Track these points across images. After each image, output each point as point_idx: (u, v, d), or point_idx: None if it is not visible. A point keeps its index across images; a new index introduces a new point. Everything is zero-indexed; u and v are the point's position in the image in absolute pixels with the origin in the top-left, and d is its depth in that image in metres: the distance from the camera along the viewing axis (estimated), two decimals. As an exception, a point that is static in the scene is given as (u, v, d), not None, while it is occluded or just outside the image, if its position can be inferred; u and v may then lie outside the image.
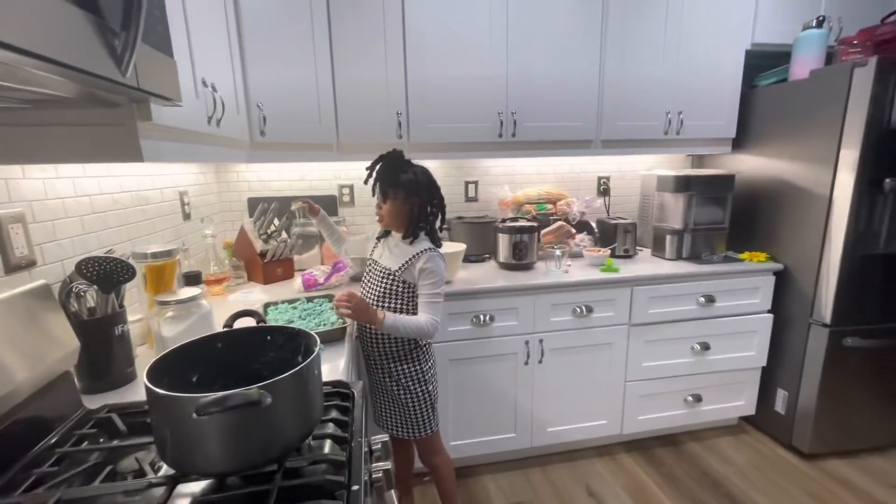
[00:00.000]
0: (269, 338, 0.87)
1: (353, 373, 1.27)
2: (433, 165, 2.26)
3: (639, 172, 2.45)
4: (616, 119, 2.05)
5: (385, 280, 1.33)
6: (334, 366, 1.10)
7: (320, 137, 1.81)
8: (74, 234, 1.08)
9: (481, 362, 1.84)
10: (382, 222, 1.36)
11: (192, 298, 1.14)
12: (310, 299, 1.49)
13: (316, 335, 0.81)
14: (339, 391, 0.92)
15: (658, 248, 2.18)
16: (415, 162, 1.34)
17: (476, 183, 2.35)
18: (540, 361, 1.87)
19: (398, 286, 1.32)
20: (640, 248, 2.31)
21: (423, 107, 1.90)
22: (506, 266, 2.01)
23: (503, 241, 1.99)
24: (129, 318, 1.21)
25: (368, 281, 1.38)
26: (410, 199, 1.29)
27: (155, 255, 1.19)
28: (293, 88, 1.67)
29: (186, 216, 1.71)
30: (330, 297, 1.51)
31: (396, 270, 1.31)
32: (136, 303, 1.26)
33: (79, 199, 1.10)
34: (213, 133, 1.18)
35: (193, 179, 1.81)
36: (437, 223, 1.39)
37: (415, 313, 1.34)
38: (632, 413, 2.03)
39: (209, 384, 0.82)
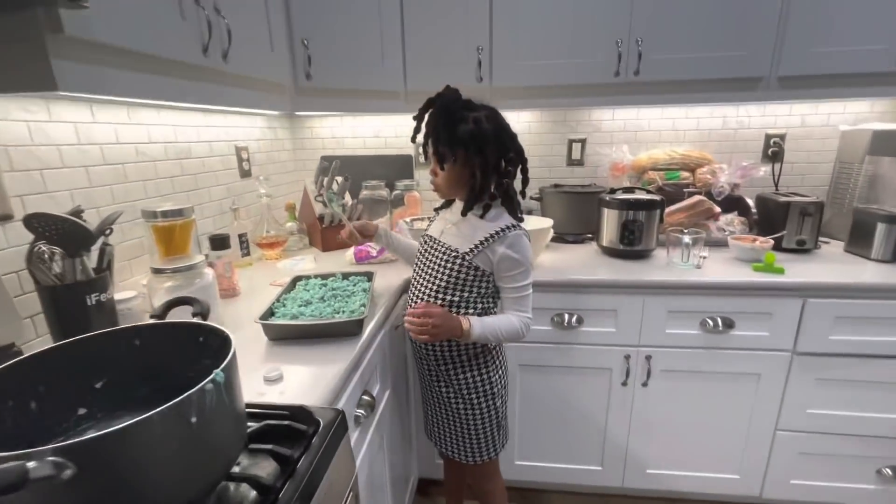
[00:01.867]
0: (201, 339, 0.63)
1: (372, 383, 0.99)
2: (525, 119, 1.83)
3: (837, 128, 1.67)
4: (807, 43, 1.35)
5: (451, 264, 0.99)
6: (325, 375, 0.83)
7: (384, 83, 1.52)
8: (77, 186, 0.97)
9: (561, 373, 1.43)
10: (439, 192, 1.03)
11: (191, 267, 0.98)
12: (346, 276, 1.25)
13: (233, 345, 0.54)
14: (292, 426, 0.64)
15: (858, 244, 1.45)
16: (478, 103, 0.96)
17: (583, 142, 1.85)
18: (644, 384, 1.39)
19: (468, 272, 0.98)
20: (824, 239, 1.59)
21: (511, 38, 1.47)
22: (610, 252, 1.53)
23: (609, 219, 1.50)
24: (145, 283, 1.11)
25: (426, 264, 1.05)
26: (472, 158, 0.93)
27: (165, 214, 1.05)
28: (350, 20, 1.39)
29: (245, 173, 1.60)
30: (368, 276, 1.24)
31: (466, 253, 0.97)
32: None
33: (82, 148, 0.98)
34: (218, 69, 0.96)
35: (259, 134, 1.69)
36: (517, 186, 1.01)
37: (487, 307, 1.02)
38: (781, 472, 1.43)
39: (123, 394, 0.61)
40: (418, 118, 0.97)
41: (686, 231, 1.43)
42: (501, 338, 0.97)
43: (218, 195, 1.45)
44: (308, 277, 1.24)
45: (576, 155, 1.86)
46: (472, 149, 0.92)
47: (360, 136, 1.95)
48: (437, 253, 1.02)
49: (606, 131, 1.83)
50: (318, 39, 1.33)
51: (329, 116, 1.92)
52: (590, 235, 1.71)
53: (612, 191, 1.57)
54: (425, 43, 1.50)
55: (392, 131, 1.92)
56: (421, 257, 1.08)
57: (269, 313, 1.01)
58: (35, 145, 0.88)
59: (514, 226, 0.97)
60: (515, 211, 1.01)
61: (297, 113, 1.45)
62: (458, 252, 0.98)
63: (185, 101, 0.89)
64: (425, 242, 1.08)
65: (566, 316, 1.37)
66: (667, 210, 1.56)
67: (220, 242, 1.20)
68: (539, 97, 1.54)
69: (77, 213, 0.83)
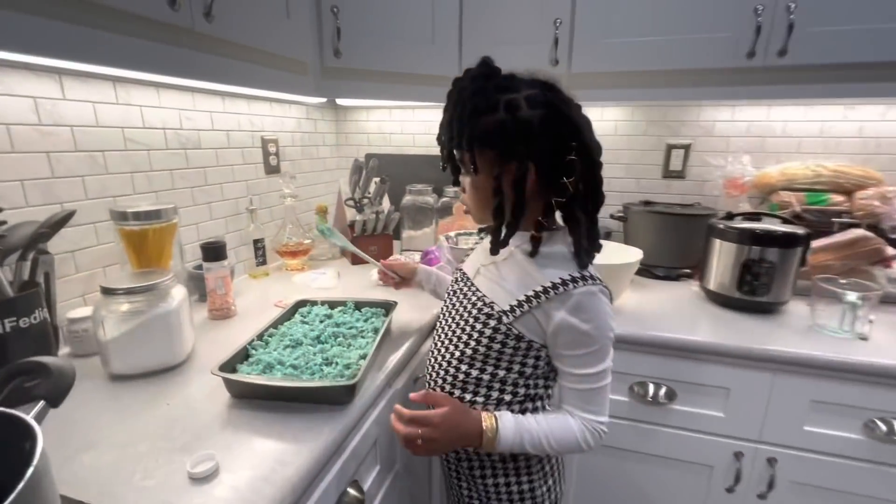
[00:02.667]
0: (28, 445, 0.37)
1: (368, 467, 0.69)
2: (611, 116, 1.45)
3: None
4: None
5: (481, 325, 0.65)
6: (286, 467, 0.55)
7: (434, 65, 1.23)
8: (32, 176, 0.79)
9: (637, 461, 1.05)
10: (473, 217, 0.71)
11: (149, 288, 0.75)
12: (360, 305, 0.98)
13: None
14: None
15: None
16: (527, 77, 0.62)
17: (686, 148, 1.43)
18: (762, 496, 0.97)
19: (505, 341, 0.64)
20: None
21: (601, 7, 1.12)
22: (720, 300, 1.12)
23: (723, 254, 1.09)
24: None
25: (451, 314, 0.72)
26: (506, 162, 0.59)
27: (137, 216, 0.84)
28: (394, -13, 1.13)
29: (272, 169, 1.39)
30: (387, 308, 0.96)
31: (504, 312, 0.63)
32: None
33: (45, 129, 0.80)
34: (197, 31, 0.73)
35: (293, 125, 1.49)
36: (584, 203, 0.62)
37: (534, 392, 0.68)
38: None
39: None
40: (444, 110, 0.64)
41: (844, 281, 0.99)
42: (547, 450, 0.62)
43: (234, 193, 1.25)
44: (313, 303, 0.99)
45: (675, 165, 1.45)
46: (503, 147, 0.58)
47: (409, 132, 1.69)
48: (466, 302, 0.69)
49: (721, 135, 1.39)
50: (351, 7, 1.07)
51: (376, 108, 1.69)
52: (687, 271, 1.30)
53: (729, 216, 1.16)
54: (488, 15, 1.19)
55: (446, 128, 1.64)
56: (448, 301, 0.75)
57: (242, 356, 0.76)
58: (-28, 123, 0.71)
59: (583, 277, 0.60)
60: (583, 246, 0.62)
61: (322, 98, 1.21)
62: (492, 309, 0.64)
63: (141, 69, 0.67)
64: (457, 281, 0.77)
65: (651, 387, 0.99)
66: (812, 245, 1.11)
67: (213, 252, 0.98)
68: (632, 86, 1.17)
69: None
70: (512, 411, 0.66)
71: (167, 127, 1.03)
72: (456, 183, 0.68)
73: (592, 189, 0.62)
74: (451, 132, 0.61)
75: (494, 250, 0.64)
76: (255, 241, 1.28)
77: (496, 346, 0.64)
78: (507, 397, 0.66)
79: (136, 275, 0.81)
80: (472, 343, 0.66)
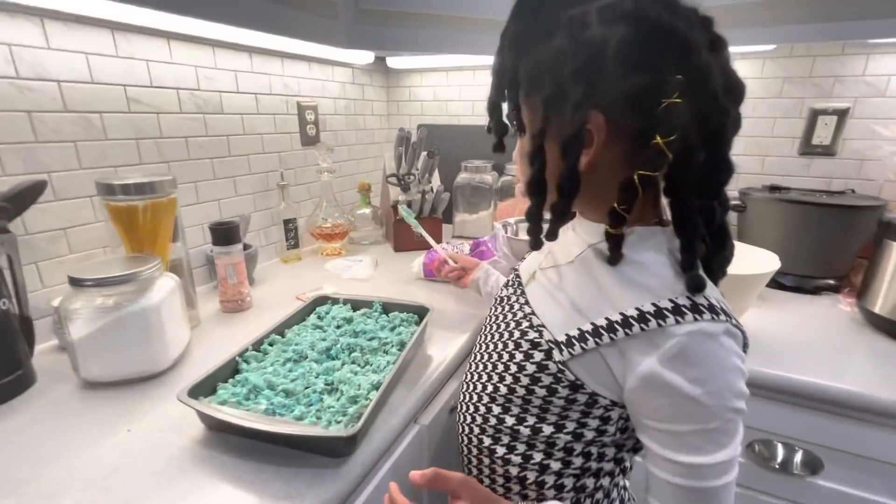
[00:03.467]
0: None
1: None
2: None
3: None
4: None
5: (522, 354, 0.44)
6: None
7: (497, 6, 0.98)
8: (10, 139, 0.67)
9: (750, 542, 0.77)
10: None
11: (125, 279, 0.61)
12: (388, 308, 0.79)
13: None
14: None
15: None
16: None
17: (842, 114, 1.05)
18: None
19: (554, 387, 0.41)
20: None
21: None
22: (892, 330, 0.78)
23: (900, 265, 0.76)
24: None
25: (489, 332, 0.52)
26: (556, 113, 0.38)
27: (126, 190, 0.70)
28: None
29: (310, 140, 1.23)
30: (422, 313, 0.76)
31: (556, 344, 0.41)
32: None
33: (22, 84, 0.67)
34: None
35: (337, 90, 1.31)
36: (702, 181, 0.37)
37: (597, 468, 0.45)
38: None
39: None
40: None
41: None
42: None
43: (263, 166, 1.10)
44: (334, 301, 0.81)
45: (822, 137, 1.07)
46: (548, 92, 0.38)
47: (467, 98, 1.46)
48: (510, 318, 0.48)
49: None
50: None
51: (431, 71, 1.46)
52: (832, 282, 0.97)
53: (919, 210, 0.80)
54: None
55: (511, 92, 1.38)
56: (492, 311, 0.54)
57: (230, 371, 0.60)
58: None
59: (695, 306, 0.35)
60: (698, 252, 0.37)
61: (355, 50, 1.00)
62: (540, 335, 0.43)
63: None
64: (508, 285, 0.55)
65: (780, 448, 0.71)
66: None
67: (223, 235, 0.83)
68: (765, 23, 0.83)
69: None
70: (560, 489, 0.45)
71: (181, 87, 0.89)
72: (498, 148, 0.48)
73: (713, 156, 0.36)
74: (495, 68, 0.44)
75: (535, 244, 0.44)
76: (286, 222, 1.13)
77: (540, 392, 0.42)
78: (556, 465, 0.44)
79: (123, 261, 0.67)
80: (509, 379, 0.45)
